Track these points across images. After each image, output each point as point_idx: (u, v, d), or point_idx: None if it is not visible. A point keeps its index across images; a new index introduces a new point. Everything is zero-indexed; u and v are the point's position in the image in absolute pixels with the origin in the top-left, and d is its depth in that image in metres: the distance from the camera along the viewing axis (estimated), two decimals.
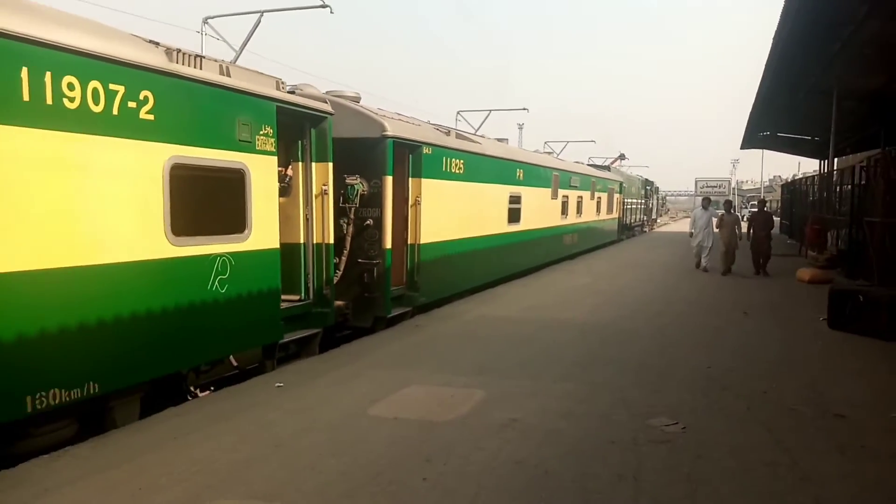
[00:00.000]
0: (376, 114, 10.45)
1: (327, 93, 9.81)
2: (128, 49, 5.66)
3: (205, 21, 14.36)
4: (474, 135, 15.75)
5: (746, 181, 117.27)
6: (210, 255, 6.59)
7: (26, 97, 4.80)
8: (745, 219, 26.44)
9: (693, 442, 5.46)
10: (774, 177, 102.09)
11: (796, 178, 47.27)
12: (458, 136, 13.42)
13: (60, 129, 5.08)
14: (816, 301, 11.72)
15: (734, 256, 17.69)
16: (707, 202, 19.69)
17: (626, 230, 34.71)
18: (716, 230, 18.48)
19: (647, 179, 45.00)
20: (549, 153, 25.51)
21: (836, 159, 24.30)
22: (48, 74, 4.94)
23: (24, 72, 4.78)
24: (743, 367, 7.97)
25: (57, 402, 5.11)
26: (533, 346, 9.02)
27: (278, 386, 6.95)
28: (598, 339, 9.48)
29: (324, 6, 12.29)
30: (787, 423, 5.96)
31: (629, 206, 35.84)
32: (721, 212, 18.99)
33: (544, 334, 9.83)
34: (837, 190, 21.85)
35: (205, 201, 6.72)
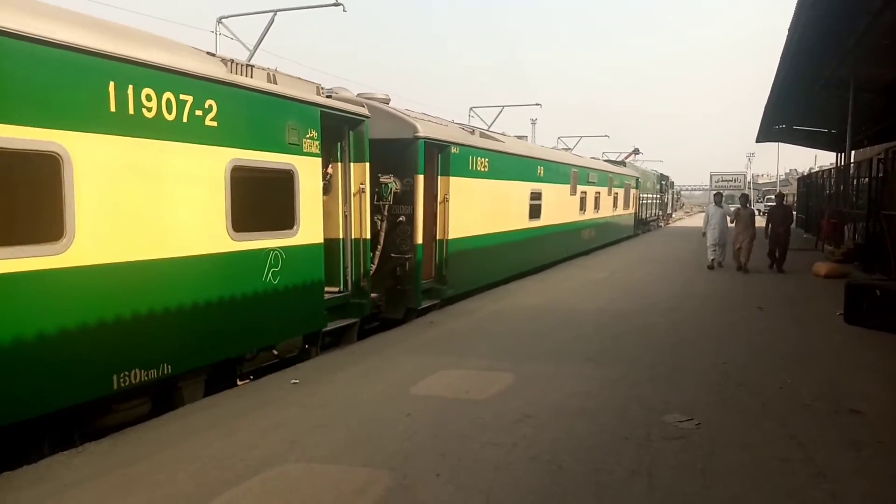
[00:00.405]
0: (409, 116, 11.01)
1: (359, 95, 10.34)
2: (194, 62, 6.27)
3: (219, 21, 14.47)
4: (497, 133, 16.06)
5: (762, 175, 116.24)
6: (265, 249, 7.21)
7: (113, 108, 5.43)
8: (761, 213, 26.23)
9: (707, 438, 5.45)
10: (791, 170, 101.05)
11: (812, 171, 46.78)
12: (483, 135, 13.87)
13: (141, 136, 5.70)
14: (833, 296, 11.62)
15: (750, 253, 17.04)
16: (719, 198, 18.98)
17: (641, 225, 34.94)
18: (731, 226, 17.93)
19: (661, 174, 45.10)
20: (566, 149, 25.64)
21: (853, 152, 24.05)
22: (130, 87, 5.57)
23: (111, 86, 5.43)
24: (758, 363, 7.94)
25: (137, 381, 5.76)
26: (552, 337, 9.48)
27: (294, 382, 7.00)
28: (612, 335, 9.57)
29: (337, 4, 12.33)
30: (802, 419, 5.94)
31: (645, 202, 36.07)
32: (736, 206, 18.22)
33: (564, 326, 10.21)
34: (854, 183, 21.65)
35: (259, 200, 7.31)
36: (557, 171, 18.51)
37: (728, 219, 17.94)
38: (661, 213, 43.97)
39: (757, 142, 36.19)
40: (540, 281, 15.44)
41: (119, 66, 5.44)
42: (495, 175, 13.74)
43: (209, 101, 6.35)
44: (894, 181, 14.43)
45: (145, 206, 5.79)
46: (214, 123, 6.42)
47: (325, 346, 8.79)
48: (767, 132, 32.66)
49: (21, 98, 4.80)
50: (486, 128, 17.11)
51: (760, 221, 17.94)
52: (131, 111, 5.56)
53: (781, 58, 17.39)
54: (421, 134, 10.61)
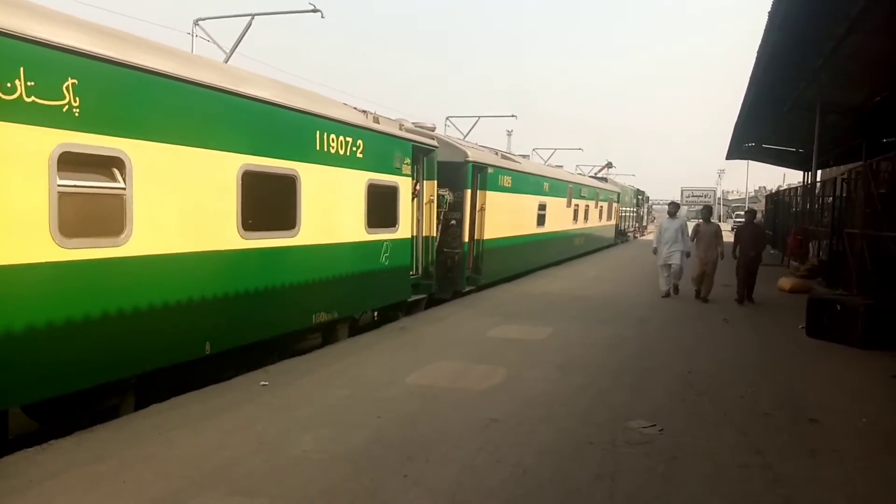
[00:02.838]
0: (461, 144, 14.73)
1: (414, 124, 12.40)
2: (353, 115, 9.63)
3: (195, 23, 14.41)
4: (515, 155, 20.69)
5: (732, 191, 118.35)
6: (381, 240, 10.33)
7: (318, 147, 8.61)
8: (732, 230, 26.66)
9: (669, 444, 5.56)
10: (760, 188, 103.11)
11: (781, 189, 47.73)
12: (504, 157, 17.51)
13: (328, 164, 8.84)
14: (796, 310, 11.89)
15: (713, 280, 14.32)
16: (675, 208, 15.59)
17: (620, 235, 38.12)
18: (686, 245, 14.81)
19: (638, 189, 48.45)
20: (559, 166, 28.32)
21: (819, 171, 24.62)
22: (327, 134, 8.78)
23: (317, 133, 8.60)
24: (721, 373, 8.11)
25: (321, 320, 8.91)
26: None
27: (263, 385, 6.98)
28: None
29: (315, 10, 12.38)
30: (761, 427, 6.12)
31: (624, 214, 39.57)
32: (697, 221, 15.39)
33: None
34: (820, 201, 22.15)
35: (379, 206, 10.18)
36: (558, 187, 22.03)
37: (681, 234, 14.74)
38: (637, 225, 45.66)
39: (727, 159, 37.03)
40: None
41: (321, 121, 8.63)
42: (515, 190, 17.20)
43: (359, 141, 9.51)
44: (857, 200, 14.80)
45: (329, 209, 8.91)
46: (361, 155, 9.56)
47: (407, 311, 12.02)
48: (737, 150, 33.33)
49: (289, 143, 8.09)
50: (462, 137, 17.86)
51: (727, 237, 16.41)
52: (326, 149, 8.74)
53: (751, 78, 17.79)
54: (470, 158, 14.02)
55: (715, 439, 5.79)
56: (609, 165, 43.22)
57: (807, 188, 25.67)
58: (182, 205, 6.44)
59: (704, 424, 6.19)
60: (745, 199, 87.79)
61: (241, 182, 7.14)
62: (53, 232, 5.19)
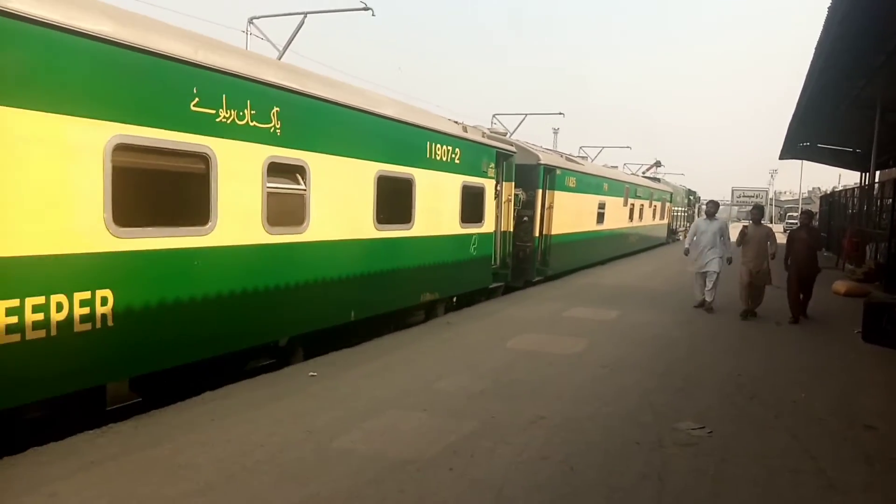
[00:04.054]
0: (534, 148, 16.37)
1: (490, 130, 14.34)
2: (453, 128, 11.46)
3: (250, 21, 14.72)
4: (577, 157, 22.42)
5: (785, 192, 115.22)
6: (470, 233, 11.99)
7: (427, 155, 10.34)
8: (783, 231, 25.95)
9: (719, 447, 5.47)
10: (814, 188, 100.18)
11: (836, 189, 46.33)
12: (568, 159, 19.19)
13: (435, 169, 10.56)
14: (851, 314, 11.55)
15: (763, 292, 12.30)
16: (714, 208, 13.39)
17: (672, 234, 38.96)
18: (734, 249, 12.83)
19: (690, 189, 49.03)
20: (614, 167, 30.15)
21: (877, 172, 23.84)
22: (434, 144, 10.54)
23: (427, 143, 10.37)
24: (773, 377, 7.92)
25: (426, 298, 10.74)
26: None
27: (312, 375, 7.11)
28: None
29: (366, 8, 12.50)
30: (815, 433, 5.99)
31: (676, 214, 40.52)
32: (745, 223, 13.42)
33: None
34: (878, 203, 21.43)
35: (470, 204, 11.84)
36: (615, 187, 23.34)
37: (721, 238, 12.72)
38: (688, 224, 45.32)
39: (780, 158, 36.19)
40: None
41: (430, 133, 10.38)
42: (579, 190, 18.82)
43: (456, 149, 11.17)
44: None
45: (434, 207, 10.59)
46: (458, 161, 11.24)
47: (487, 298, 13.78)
48: (791, 149, 32.57)
49: (408, 152, 9.85)
50: (503, 132, 17.83)
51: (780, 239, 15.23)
52: (433, 156, 10.47)
53: (808, 75, 17.38)
54: (542, 161, 15.70)
55: (766, 443, 5.68)
56: (658, 164, 42.80)
57: (864, 189, 24.93)
58: (339, 202, 8.19)
59: (755, 428, 6.08)
60: (798, 199, 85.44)
61: (376, 185, 8.90)
62: (264, 223, 6.94)
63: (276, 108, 6.98)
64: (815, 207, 58.98)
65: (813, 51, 15.12)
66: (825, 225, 36.62)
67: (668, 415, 6.29)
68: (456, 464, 4.95)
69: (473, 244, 12.09)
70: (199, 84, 6.10)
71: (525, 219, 15.28)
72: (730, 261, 12.84)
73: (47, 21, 4.82)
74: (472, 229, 12.02)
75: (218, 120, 6.31)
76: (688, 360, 8.67)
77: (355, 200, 8.57)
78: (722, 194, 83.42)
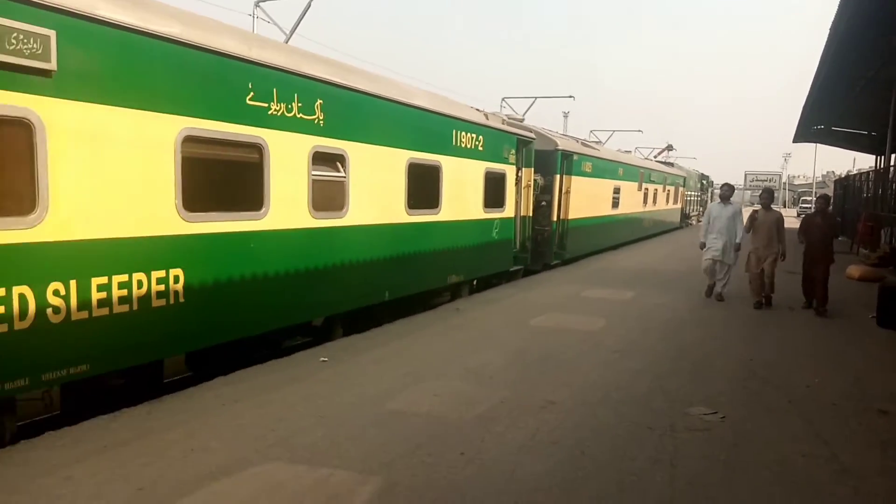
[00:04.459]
0: (552, 134, 16.89)
1: (507, 117, 14.74)
2: (477, 116, 11.98)
3: (256, 4, 14.66)
4: (592, 142, 22.83)
5: (799, 176, 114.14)
6: (493, 218, 12.58)
7: (453, 143, 10.96)
8: (797, 216, 25.77)
9: (731, 431, 5.46)
10: (828, 172, 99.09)
11: (851, 173, 45.85)
12: (584, 145, 19.65)
13: (459, 156, 11.17)
14: (866, 299, 11.46)
15: (773, 280, 11.62)
16: (729, 191, 12.70)
17: (685, 219, 39.35)
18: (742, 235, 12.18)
19: (703, 174, 48.88)
20: (627, 152, 30.22)
21: (893, 155, 23.52)
22: (459, 132, 11.11)
23: (453, 131, 10.89)
24: (786, 361, 7.87)
25: (456, 279, 11.50)
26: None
27: (323, 360, 7.13)
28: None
29: None
30: (828, 417, 5.98)
31: (689, 198, 40.88)
32: (754, 208, 12.54)
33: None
34: (893, 187, 21.17)
35: (492, 190, 12.40)
36: (630, 172, 23.87)
37: (735, 223, 12.14)
38: (701, 209, 45.45)
39: (794, 142, 35.90)
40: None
41: (456, 122, 10.92)
42: (594, 175, 19.34)
43: (480, 136, 11.76)
44: None
45: (460, 193, 11.19)
46: (481, 148, 11.82)
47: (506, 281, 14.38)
48: (805, 132, 32.33)
49: (436, 140, 10.38)
50: (520, 118, 17.69)
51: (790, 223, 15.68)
52: (458, 144, 11.04)
53: (822, 56, 17.11)
54: (560, 147, 16.22)
55: (779, 428, 5.67)
56: (669, 148, 42.60)
57: (879, 173, 24.64)
58: (374, 189, 8.72)
59: (768, 412, 6.06)
60: (812, 183, 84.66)
61: (407, 172, 9.43)
62: (310, 208, 7.49)
63: (319, 101, 7.51)
64: (829, 191, 58.35)
65: (827, 31, 14.94)
66: (839, 209, 36.33)
67: (681, 399, 6.27)
68: (467, 448, 4.96)
69: (496, 228, 12.70)
70: (254, 80, 6.61)
71: (543, 203, 15.77)
72: (738, 247, 12.14)
73: (136, 27, 5.41)
74: (495, 214, 12.60)
75: (270, 112, 6.84)
76: (700, 344, 8.76)
77: (389, 187, 9.10)
78: (735, 178, 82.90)
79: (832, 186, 57.49)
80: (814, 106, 23.93)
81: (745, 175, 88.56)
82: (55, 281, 4.93)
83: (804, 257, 11.59)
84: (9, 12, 4.54)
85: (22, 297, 4.72)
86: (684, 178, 37.74)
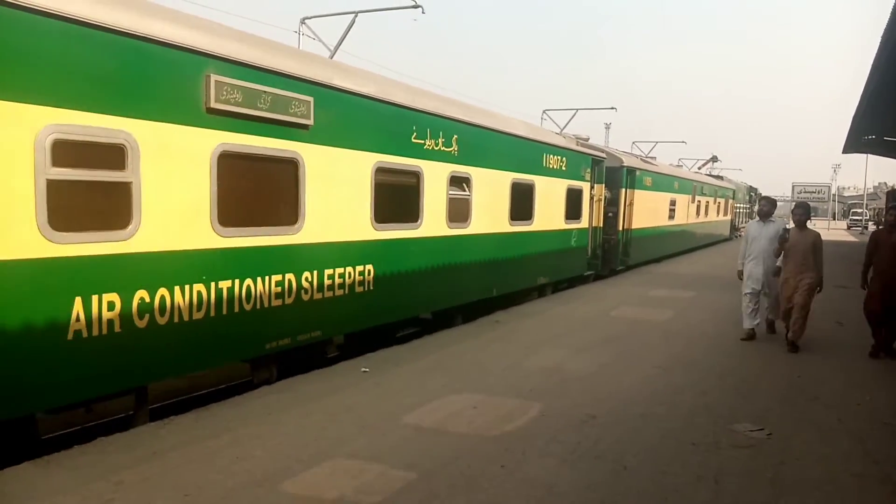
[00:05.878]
0: (618, 152, 19.22)
1: (574, 136, 16.25)
2: (560, 140, 14.23)
3: (302, 21, 14.98)
4: (650, 159, 24.55)
5: (849, 187, 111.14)
6: (571, 229, 14.55)
7: (543, 165, 12.95)
8: (847, 229, 25.02)
9: (778, 449, 5.35)
10: (879, 183, 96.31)
11: None
12: (643, 160, 21.95)
13: (549, 176, 13.24)
14: None
15: (806, 316, 9.29)
16: (770, 206, 10.54)
17: (734, 230, 40.15)
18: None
19: (751, 186, 50.34)
20: (680, 166, 31.85)
21: None
22: (548, 155, 13.08)
23: (544, 155, 12.99)
24: (835, 378, 7.69)
25: (538, 283, 13.26)
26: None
27: (364, 371, 7.22)
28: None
29: (416, 6, 12.55)
30: (880, 437, 5.80)
31: (738, 210, 42.26)
32: (786, 227, 10.01)
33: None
34: None
35: (571, 204, 14.41)
36: (684, 185, 25.83)
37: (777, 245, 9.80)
38: (749, 220, 44.51)
39: (844, 153, 35.30)
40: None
41: (546, 146, 13.01)
42: (654, 188, 21.35)
43: (563, 158, 13.85)
44: None
45: (547, 207, 13.17)
46: (564, 168, 13.88)
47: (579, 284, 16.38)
48: (855, 143, 31.72)
49: (530, 163, 12.36)
50: (559, 130, 17.78)
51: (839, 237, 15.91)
52: (547, 165, 13.06)
53: (873, 66, 16.77)
54: (625, 164, 18.47)
55: (828, 446, 5.54)
56: (714, 159, 42.10)
57: None
58: (488, 204, 10.82)
59: (816, 430, 5.92)
60: (863, 195, 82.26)
61: (511, 189, 11.54)
62: (447, 220, 9.66)
63: (455, 136, 9.68)
64: (880, 203, 56.43)
65: (879, 39, 14.57)
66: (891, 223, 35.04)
67: (724, 414, 6.18)
68: (507, 461, 4.96)
69: (574, 237, 14.71)
70: (416, 123, 8.80)
71: (610, 214, 17.72)
72: (777, 272, 9.91)
73: (354, 91, 7.63)
74: (573, 225, 14.64)
75: (425, 147, 9.02)
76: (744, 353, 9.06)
77: (498, 202, 11.26)
78: (782, 190, 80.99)
79: (884, 198, 55.71)
80: (864, 115, 23.39)
81: (793, 186, 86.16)
82: (308, 270, 7.05)
83: (871, 284, 9.12)
84: (291, 87, 6.63)
85: (290, 281, 6.83)
86: (734, 191, 39.11)
